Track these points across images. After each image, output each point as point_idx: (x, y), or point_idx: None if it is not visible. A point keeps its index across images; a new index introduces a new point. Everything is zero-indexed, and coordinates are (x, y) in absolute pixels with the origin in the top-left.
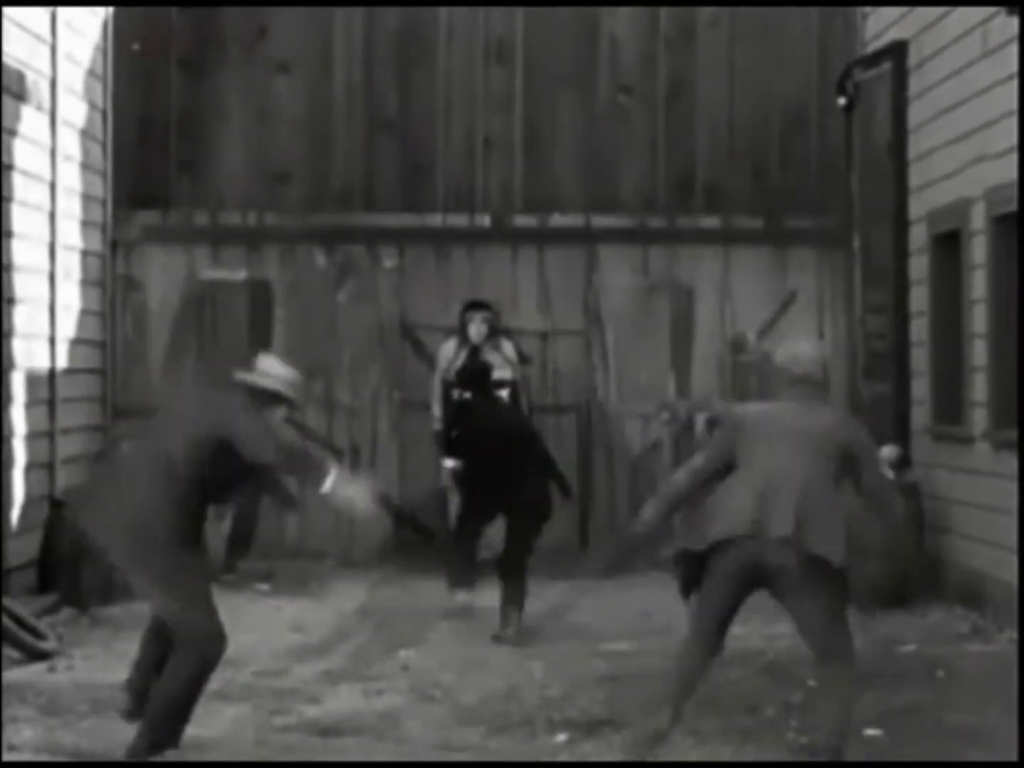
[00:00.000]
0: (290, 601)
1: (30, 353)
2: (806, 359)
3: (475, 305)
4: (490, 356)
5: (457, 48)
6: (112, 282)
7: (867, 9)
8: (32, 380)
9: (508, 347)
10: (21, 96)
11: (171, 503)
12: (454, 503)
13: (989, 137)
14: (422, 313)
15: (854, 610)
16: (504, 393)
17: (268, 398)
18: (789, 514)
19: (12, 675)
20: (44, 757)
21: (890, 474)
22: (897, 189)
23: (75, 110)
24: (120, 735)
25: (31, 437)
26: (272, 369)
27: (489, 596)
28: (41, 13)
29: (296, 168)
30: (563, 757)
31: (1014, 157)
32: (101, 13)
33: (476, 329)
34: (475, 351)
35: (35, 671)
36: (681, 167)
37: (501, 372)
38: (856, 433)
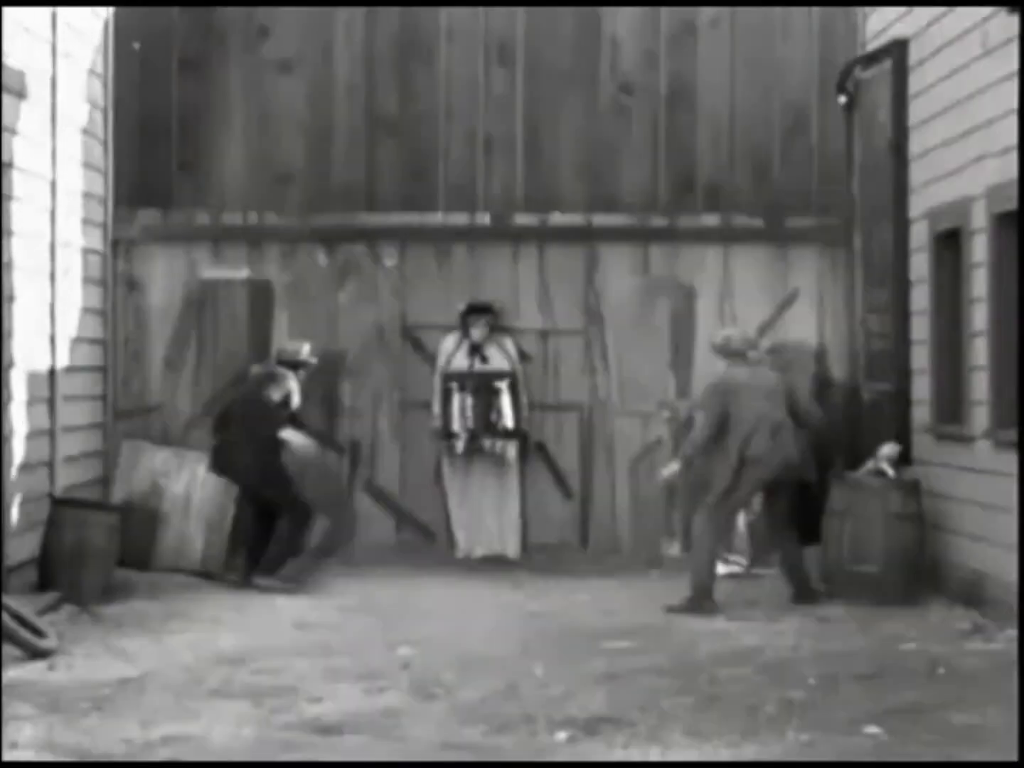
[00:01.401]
0: (291, 599)
1: (30, 351)
2: (736, 338)
3: (477, 309)
4: (490, 350)
5: (458, 48)
6: (113, 281)
7: (867, 8)
8: (32, 378)
9: (508, 343)
10: (22, 94)
11: None
12: None
13: (990, 135)
14: (423, 312)
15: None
16: (504, 385)
17: (298, 366)
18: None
19: (12, 673)
20: (45, 755)
21: (891, 472)
22: (898, 188)
23: (76, 109)
24: (121, 733)
25: (31, 435)
26: (291, 346)
27: (488, 594)
28: (41, 13)
29: (297, 168)
30: (563, 756)
31: (1014, 155)
32: (102, 13)
33: (479, 333)
34: (475, 348)
35: (35, 669)
36: (682, 166)
37: (501, 364)
38: (789, 383)
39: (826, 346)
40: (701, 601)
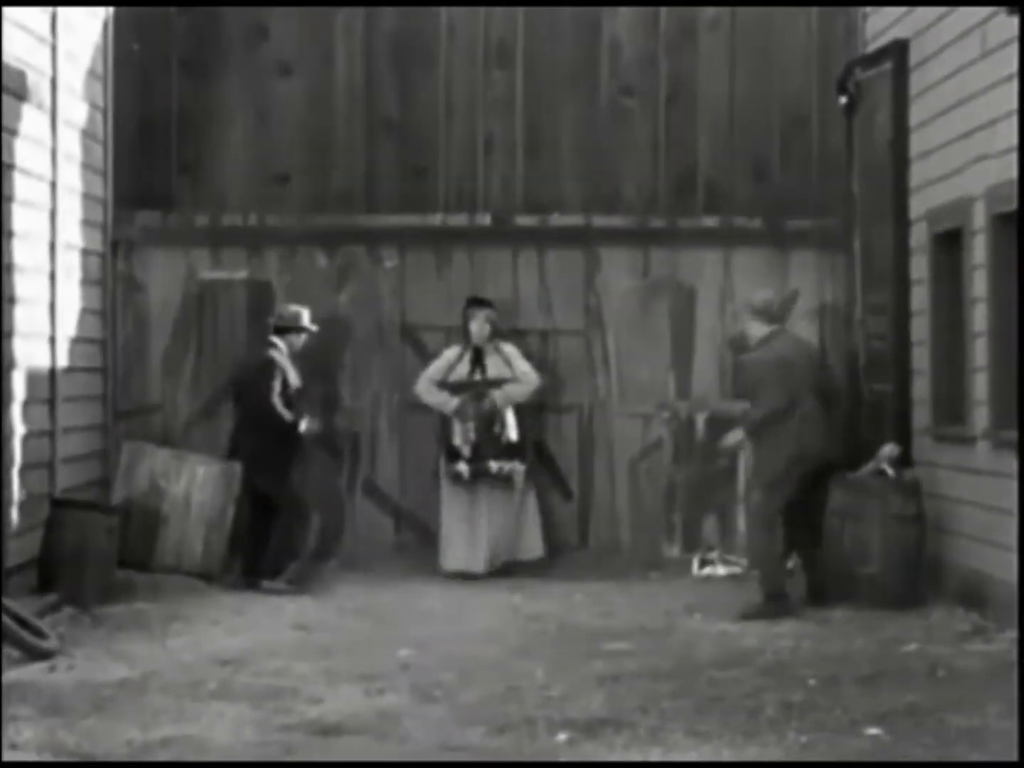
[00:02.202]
0: (291, 600)
1: (30, 352)
2: (776, 301)
3: (477, 302)
4: (491, 357)
5: (458, 49)
6: (113, 282)
7: (868, 9)
8: (32, 379)
9: (508, 348)
10: (22, 95)
11: None
12: None
13: (990, 136)
14: (422, 313)
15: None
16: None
17: (295, 331)
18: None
19: (13, 674)
20: (45, 757)
21: (891, 473)
22: (897, 188)
23: (76, 109)
24: (121, 735)
25: (31, 436)
26: (290, 311)
27: (487, 596)
28: (41, 13)
29: (297, 169)
30: (563, 757)
31: (1014, 156)
32: (101, 13)
33: (478, 327)
34: (478, 353)
35: (36, 670)
36: (682, 167)
37: (501, 371)
38: (823, 360)
39: (826, 307)
40: (772, 604)
